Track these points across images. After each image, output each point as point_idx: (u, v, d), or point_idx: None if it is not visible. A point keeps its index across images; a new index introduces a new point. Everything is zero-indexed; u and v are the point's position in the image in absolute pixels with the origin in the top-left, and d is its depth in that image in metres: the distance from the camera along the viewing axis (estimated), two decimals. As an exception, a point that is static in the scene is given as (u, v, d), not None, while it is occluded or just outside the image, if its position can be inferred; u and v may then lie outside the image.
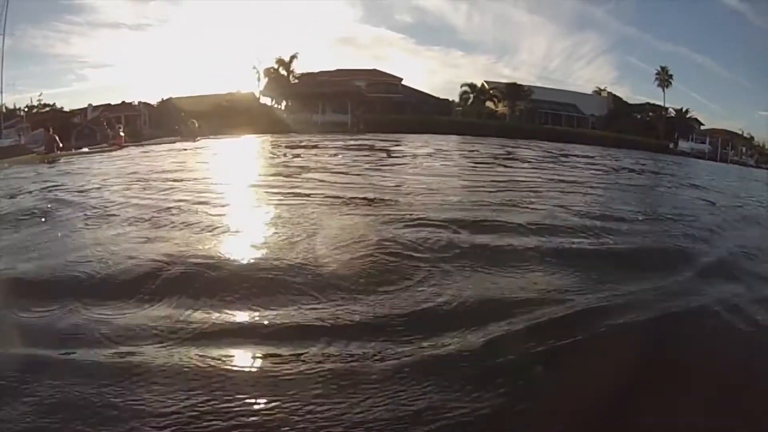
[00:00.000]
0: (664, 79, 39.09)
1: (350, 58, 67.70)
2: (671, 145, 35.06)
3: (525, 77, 53.30)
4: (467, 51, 64.98)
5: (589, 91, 43.46)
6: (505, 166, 12.93)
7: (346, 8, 65.67)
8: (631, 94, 59.47)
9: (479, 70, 55.77)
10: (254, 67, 36.66)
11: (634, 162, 19.12)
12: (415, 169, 11.08)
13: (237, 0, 54.06)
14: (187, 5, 57.41)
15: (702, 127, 41.13)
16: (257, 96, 39.75)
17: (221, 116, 33.53)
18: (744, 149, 36.96)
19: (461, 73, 61.40)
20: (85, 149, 21.48)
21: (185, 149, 18.40)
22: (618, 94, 43.08)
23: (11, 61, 29.55)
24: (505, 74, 58.10)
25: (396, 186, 7.41)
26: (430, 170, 10.79)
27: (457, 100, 39.65)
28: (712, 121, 42.40)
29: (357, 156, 13.29)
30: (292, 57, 35.87)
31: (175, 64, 57.20)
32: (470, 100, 36.92)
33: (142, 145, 22.63)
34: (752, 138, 39.31)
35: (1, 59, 29.94)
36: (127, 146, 21.83)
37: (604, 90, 42.85)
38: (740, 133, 40.18)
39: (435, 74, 68.50)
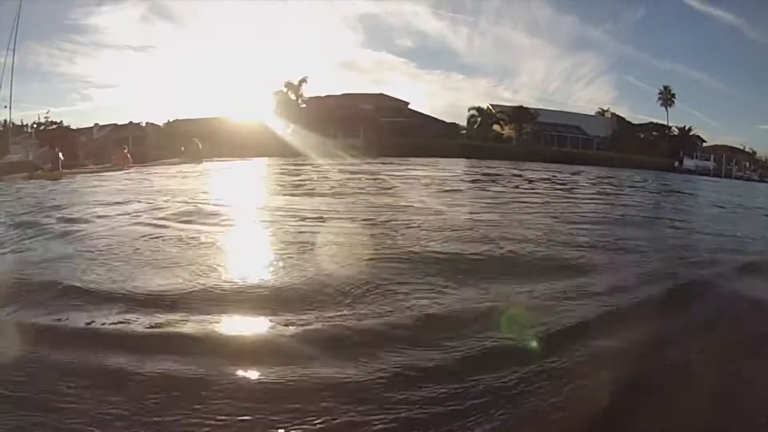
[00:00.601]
0: (667, 98, 39.84)
1: (352, 82, 68.84)
2: (677, 164, 35.41)
3: (525, 99, 54.15)
4: (468, 74, 66.13)
5: (592, 112, 44.26)
6: (572, 193, 12.48)
7: (347, 33, 66.95)
8: (631, 113, 60.60)
9: (480, 93, 56.91)
10: (263, 91, 37.00)
11: (664, 183, 19.31)
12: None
13: (240, 24, 55.34)
14: (190, 29, 58.63)
15: (704, 144, 41.85)
16: (264, 119, 40.15)
17: (227, 139, 33.71)
18: (747, 164, 37.42)
19: (462, 96, 62.73)
20: (92, 167, 21.53)
21: (190, 172, 17.90)
22: (618, 113, 43.97)
23: (15, 77, 29.82)
24: (505, 97, 59.07)
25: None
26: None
27: (459, 122, 40.40)
28: (713, 137, 43.24)
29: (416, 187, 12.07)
30: (301, 81, 36.38)
31: (179, 86, 58.04)
32: (478, 124, 37.37)
33: (146, 166, 22.52)
34: (754, 153, 39.95)
35: (11, 76, 30.05)
36: (132, 167, 21.71)
37: (607, 111, 43.55)
38: (742, 148, 40.86)
39: (436, 97, 69.66)
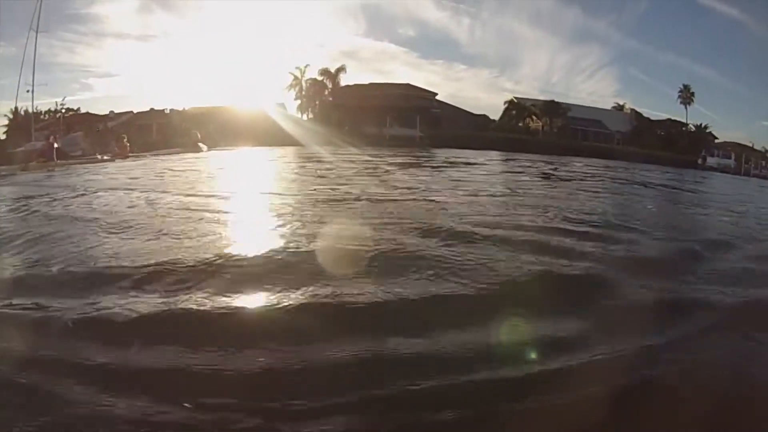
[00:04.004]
0: (686, 96, 40.87)
1: (353, 72, 68.08)
2: (699, 161, 36.51)
3: (527, 91, 54.66)
4: (470, 65, 66.16)
5: (608, 106, 44.98)
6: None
7: (349, 22, 66.14)
8: (635, 106, 61.87)
9: (482, 84, 56.84)
10: (294, 76, 36.11)
11: (717, 182, 20.06)
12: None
13: (239, 13, 54.25)
14: (191, 18, 57.30)
15: (716, 141, 43.18)
16: (285, 106, 39.47)
17: (247, 128, 33.13)
18: (764, 162, 38.74)
19: (464, 86, 62.44)
20: (88, 157, 21.12)
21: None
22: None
23: (15, 68, 29.02)
24: (507, 88, 59.57)
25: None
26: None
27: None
28: (716, 132, 44.42)
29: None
30: (339, 69, 35.61)
31: (182, 75, 56.73)
32: (513, 117, 37.71)
33: (142, 156, 22.09)
34: (767, 151, 41.37)
35: (33, 60, 28.74)
36: (129, 157, 21.45)
37: (624, 105, 44.44)
38: (751, 145, 42.26)
39: (438, 88, 69.22)
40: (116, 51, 53.58)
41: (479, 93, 58.23)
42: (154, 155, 22.68)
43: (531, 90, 62.86)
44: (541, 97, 41.71)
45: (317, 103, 36.12)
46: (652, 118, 42.23)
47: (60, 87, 55.84)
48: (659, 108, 61.83)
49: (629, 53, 57.22)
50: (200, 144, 25.89)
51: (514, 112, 38.00)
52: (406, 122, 34.08)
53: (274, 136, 31.33)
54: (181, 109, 39.88)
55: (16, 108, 37.44)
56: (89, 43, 53.85)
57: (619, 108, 44.61)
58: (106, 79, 59.32)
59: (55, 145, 20.18)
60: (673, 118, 42.51)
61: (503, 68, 70.86)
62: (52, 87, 54.81)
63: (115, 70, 62.93)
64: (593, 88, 68.51)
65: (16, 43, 39.11)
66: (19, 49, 29.34)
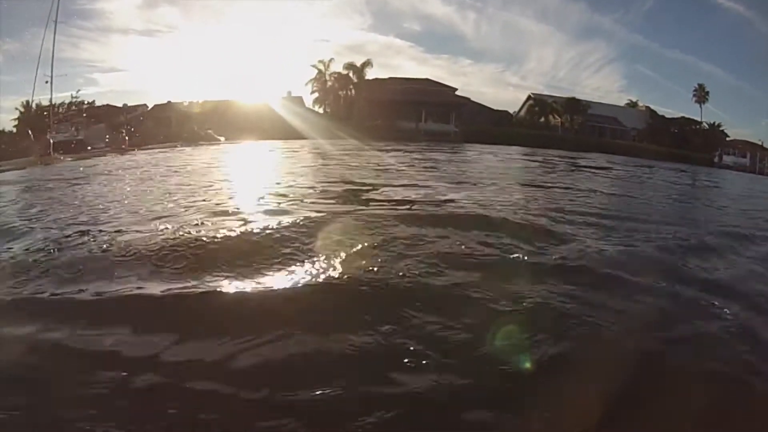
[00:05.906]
0: (701, 96, 41.44)
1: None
2: (716, 159, 37.17)
3: (533, 86, 54.96)
4: (475, 59, 66.18)
5: (615, 102, 45.42)
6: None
7: (354, 16, 65.70)
8: (641, 102, 62.28)
9: (487, 79, 56.97)
10: (318, 70, 35.60)
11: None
12: None
13: (244, 7, 53.75)
14: (196, 13, 56.74)
15: (727, 139, 43.87)
16: (303, 101, 39.24)
17: (264, 121, 32.98)
18: (777, 161, 39.40)
19: (470, 81, 62.56)
20: (91, 150, 21.18)
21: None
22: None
23: (21, 64, 28.74)
24: (513, 83, 59.91)
25: None
26: None
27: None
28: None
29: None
30: (365, 63, 35.27)
31: (187, 69, 56.18)
32: (536, 113, 37.93)
33: (144, 149, 22.03)
34: (779, 149, 42.00)
35: (52, 52, 28.15)
36: (126, 151, 21.50)
37: (637, 102, 44.98)
38: (760, 143, 42.98)
39: (444, 82, 69.34)
40: (121, 46, 53.00)
41: (484, 88, 58.39)
42: (152, 149, 22.51)
43: (537, 85, 63.29)
44: (546, 92, 42.32)
45: (341, 96, 35.75)
46: (659, 113, 42.77)
47: (65, 82, 55.10)
48: (665, 104, 62.66)
49: (635, 49, 57.60)
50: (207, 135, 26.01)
51: (536, 108, 38.22)
52: (440, 117, 34.12)
53: (298, 130, 31.06)
54: (196, 101, 39.48)
55: (28, 101, 36.74)
56: (94, 39, 53.55)
57: (633, 105, 45.15)
58: (111, 74, 58.60)
59: (51, 141, 20.49)
60: (686, 116, 43.12)
61: (509, 63, 71.04)
62: (57, 82, 53.72)
63: (120, 65, 62.19)
64: (599, 83, 69.16)
65: (21, 40, 38.61)
66: (23, 45, 28.82)
